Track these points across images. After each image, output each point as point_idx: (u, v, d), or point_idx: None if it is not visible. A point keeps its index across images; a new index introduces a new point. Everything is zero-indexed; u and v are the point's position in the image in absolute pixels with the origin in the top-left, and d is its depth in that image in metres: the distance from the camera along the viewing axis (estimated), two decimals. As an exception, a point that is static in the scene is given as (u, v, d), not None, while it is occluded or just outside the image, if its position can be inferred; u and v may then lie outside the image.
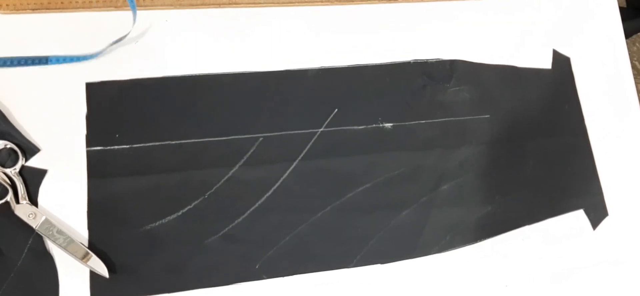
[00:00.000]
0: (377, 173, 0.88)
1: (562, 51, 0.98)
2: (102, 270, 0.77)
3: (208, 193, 0.83)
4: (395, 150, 0.89)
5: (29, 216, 0.77)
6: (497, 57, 0.96)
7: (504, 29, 0.98)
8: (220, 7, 0.90)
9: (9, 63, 0.82)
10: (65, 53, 0.83)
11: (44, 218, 0.77)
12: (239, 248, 0.82)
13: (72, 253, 0.77)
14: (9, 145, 0.79)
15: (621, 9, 1.03)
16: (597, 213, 0.93)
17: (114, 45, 0.85)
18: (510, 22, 0.98)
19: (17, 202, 0.78)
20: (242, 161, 0.84)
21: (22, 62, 0.82)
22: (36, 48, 0.83)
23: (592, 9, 1.01)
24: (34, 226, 0.77)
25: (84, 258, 0.77)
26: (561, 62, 0.98)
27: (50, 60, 0.83)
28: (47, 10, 0.84)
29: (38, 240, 0.78)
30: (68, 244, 0.77)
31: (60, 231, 0.77)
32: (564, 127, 0.95)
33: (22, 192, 0.78)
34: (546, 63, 0.97)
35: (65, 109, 0.82)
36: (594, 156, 0.95)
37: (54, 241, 0.77)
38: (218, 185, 0.83)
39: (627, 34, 1.08)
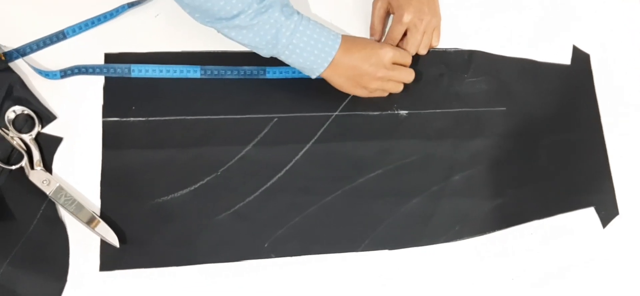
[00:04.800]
0: (390, 160, 0.88)
1: (583, 48, 0.97)
2: (113, 239, 0.78)
3: (221, 170, 0.83)
4: (409, 137, 0.89)
5: (43, 182, 0.78)
6: (517, 50, 0.95)
7: (525, 21, 0.97)
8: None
9: (28, 50, 0.82)
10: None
11: (57, 185, 0.78)
12: (249, 226, 0.83)
13: (83, 221, 0.78)
14: (26, 111, 0.80)
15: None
16: (607, 211, 0.93)
17: (134, 18, 0.86)
18: (532, 15, 0.97)
19: (32, 167, 0.79)
20: (256, 140, 0.85)
21: (41, 45, 0.83)
22: (55, 18, 0.84)
23: (615, 8, 1.00)
24: (47, 193, 0.78)
25: (93, 224, 0.77)
26: (581, 58, 0.97)
27: (67, 33, 0.84)
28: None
29: (51, 206, 0.79)
30: (79, 212, 0.78)
31: (72, 199, 0.78)
32: (580, 123, 0.95)
33: (37, 158, 0.79)
34: (565, 58, 0.97)
35: (83, 79, 0.83)
36: (608, 155, 0.94)
37: (66, 209, 0.78)
38: (231, 163, 0.84)
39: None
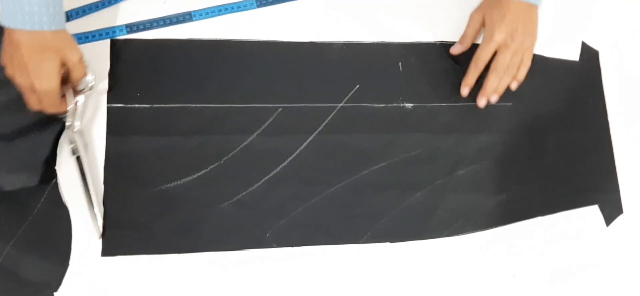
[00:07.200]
0: (394, 153, 0.88)
1: (591, 44, 0.97)
2: (97, 229, 0.79)
3: (225, 158, 0.83)
4: (414, 131, 0.89)
5: None
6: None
7: (534, 16, 0.96)
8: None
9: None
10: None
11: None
12: (251, 215, 0.83)
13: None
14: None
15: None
16: (611, 210, 0.93)
17: (140, 4, 0.85)
18: (541, 10, 0.96)
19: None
20: (261, 129, 0.85)
21: None
22: None
23: (625, 5, 1.00)
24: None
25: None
26: (589, 55, 0.96)
27: (71, 15, 0.83)
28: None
29: (55, 190, 0.79)
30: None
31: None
32: (586, 121, 0.94)
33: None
34: (574, 55, 0.96)
35: (88, 64, 0.82)
36: (614, 153, 0.94)
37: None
38: (235, 152, 0.84)
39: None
